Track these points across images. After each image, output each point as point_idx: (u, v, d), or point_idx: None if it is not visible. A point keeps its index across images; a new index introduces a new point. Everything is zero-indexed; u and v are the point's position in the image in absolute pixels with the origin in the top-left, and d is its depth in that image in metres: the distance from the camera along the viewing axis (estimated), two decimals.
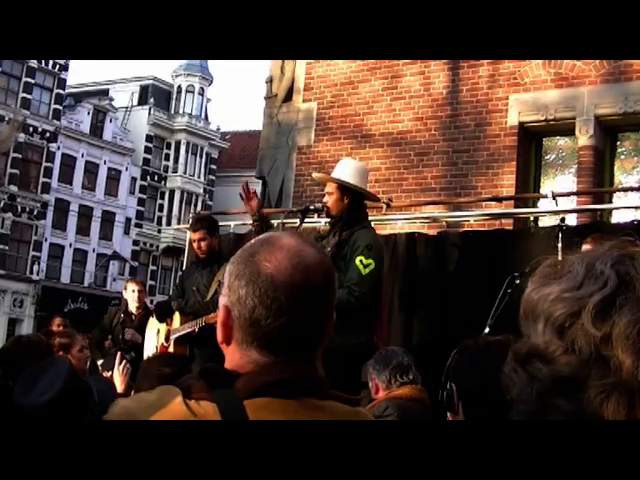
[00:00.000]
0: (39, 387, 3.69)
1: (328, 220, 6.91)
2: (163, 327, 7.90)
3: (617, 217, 9.02)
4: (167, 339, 7.75)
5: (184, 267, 10.07)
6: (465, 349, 3.34)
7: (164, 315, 7.91)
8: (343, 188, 6.60)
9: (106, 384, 5.38)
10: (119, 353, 7.24)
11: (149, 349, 8.08)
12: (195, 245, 7.82)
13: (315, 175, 7.16)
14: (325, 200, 6.64)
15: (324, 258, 1.95)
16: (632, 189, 10.09)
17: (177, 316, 7.72)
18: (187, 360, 6.77)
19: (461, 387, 3.20)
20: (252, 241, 1.93)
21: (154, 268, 60.20)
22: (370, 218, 8.14)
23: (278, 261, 1.82)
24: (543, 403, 1.15)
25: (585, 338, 1.12)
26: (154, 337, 8.07)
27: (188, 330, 7.40)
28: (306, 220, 7.08)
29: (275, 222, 8.87)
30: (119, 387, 5.83)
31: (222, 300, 1.88)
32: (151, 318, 8.31)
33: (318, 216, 7.24)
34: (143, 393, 1.91)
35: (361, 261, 6.30)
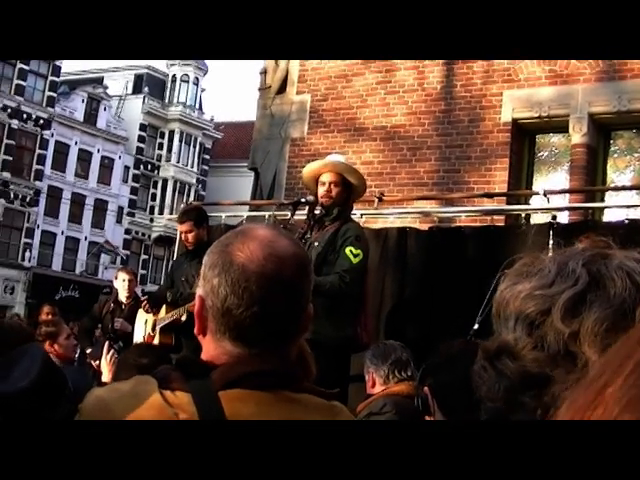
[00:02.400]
0: (13, 375, 3.65)
1: (305, 213, 6.90)
2: (150, 317, 7.91)
3: (609, 216, 9.02)
4: (154, 329, 7.76)
5: (175, 257, 10.07)
6: (436, 354, 3.38)
7: (156, 306, 7.90)
8: (345, 180, 6.59)
9: (80, 373, 5.38)
10: (107, 342, 7.23)
11: (138, 339, 8.08)
12: (183, 237, 7.87)
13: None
14: (327, 189, 6.56)
15: (299, 250, 1.96)
16: (624, 188, 10.10)
17: (163, 306, 7.74)
18: (167, 350, 6.76)
19: (434, 386, 3.23)
20: (228, 233, 1.94)
21: (146, 257, 60.22)
22: (362, 212, 8.16)
23: (250, 251, 1.82)
24: (509, 400, 1.15)
25: (554, 335, 1.13)
26: (142, 327, 8.08)
27: (171, 319, 7.42)
28: (297, 213, 7.06)
29: (266, 214, 8.88)
30: (106, 376, 5.82)
31: (198, 290, 1.90)
32: (140, 309, 8.29)
33: (309, 209, 7.21)
34: (118, 383, 1.92)
35: (351, 251, 6.35)
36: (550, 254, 1.27)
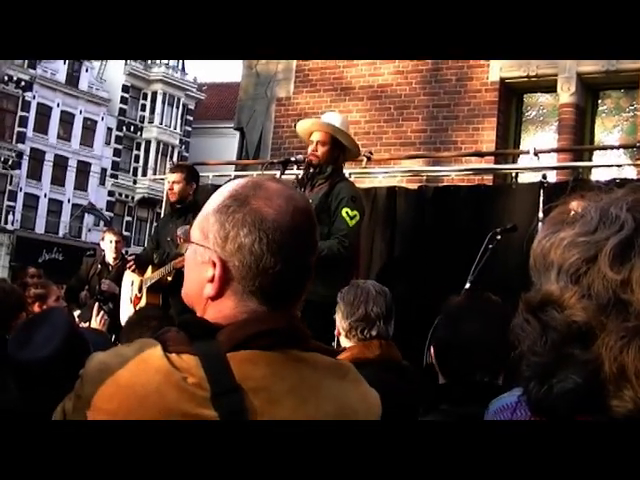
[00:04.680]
0: (36, 341, 3.51)
1: (295, 172, 6.89)
2: (137, 278, 7.86)
3: (596, 175, 9.01)
4: (140, 290, 7.72)
5: (160, 218, 10.02)
6: (444, 310, 3.34)
7: (142, 267, 7.85)
8: (335, 139, 6.54)
9: (99, 335, 5.30)
10: (97, 304, 7.18)
11: (124, 301, 8.05)
12: (169, 186, 7.81)
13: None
14: (314, 148, 6.53)
15: (309, 203, 1.95)
16: (614, 147, 10.08)
17: (149, 267, 7.70)
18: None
19: (434, 345, 3.20)
20: (234, 187, 1.85)
21: (129, 219, 60.06)
22: (350, 171, 8.12)
23: (280, 206, 1.77)
24: (558, 354, 1.10)
25: (602, 283, 1.07)
26: (129, 289, 8.03)
27: (158, 277, 7.38)
28: (286, 172, 7.02)
29: (254, 174, 8.83)
30: None
31: (209, 253, 1.80)
32: (127, 270, 8.23)
33: (298, 168, 7.17)
34: (121, 346, 1.85)
35: (347, 212, 6.32)
36: (588, 201, 1.21)
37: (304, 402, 1.74)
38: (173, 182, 7.68)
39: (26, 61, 52.41)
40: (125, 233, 53.89)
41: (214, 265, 1.78)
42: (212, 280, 1.79)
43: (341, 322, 4.56)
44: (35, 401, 3.23)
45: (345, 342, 4.58)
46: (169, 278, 7.24)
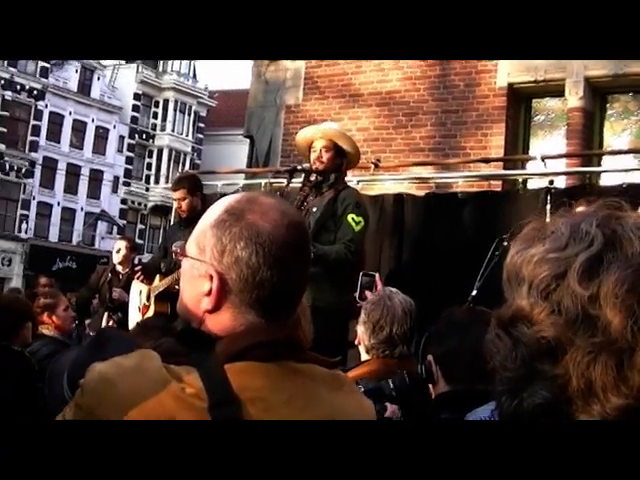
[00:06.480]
0: None
1: (301, 180, 6.90)
2: (145, 287, 7.86)
3: (605, 180, 8.99)
4: (148, 298, 7.73)
5: (169, 226, 10.03)
6: (439, 321, 3.35)
7: (149, 276, 7.86)
8: (337, 146, 6.58)
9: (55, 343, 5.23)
10: (106, 313, 7.19)
11: (133, 310, 8.05)
12: (176, 205, 7.85)
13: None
14: (318, 155, 6.57)
15: (302, 217, 1.98)
16: (622, 152, 10.04)
17: (157, 275, 7.71)
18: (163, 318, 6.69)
19: (437, 354, 3.20)
20: (229, 202, 1.88)
21: (142, 227, 60.12)
22: (358, 178, 8.14)
23: (275, 220, 1.81)
24: (528, 369, 1.11)
25: (571, 298, 1.09)
26: (137, 298, 8.03)
27: (165, 286, 7.38)
28: (293, 180, 7.03)
29: (262, 182, 8.85)
30: None
31: (206, 267, 1.83)
32: (134, 280, 8.22)
33: (305, 176, 7.18)
34: (120, 357, 1.86)
35: (353, 219, 6.40)
36: (560, 217, 1.22)
37: (301, 412, 1.75)
38: (178, 200, 7.72)
39: (38, 70, 52.63)
40: (138, 241, 53.96)
41: (211, 279, 1.81)
42: (209, 294, 1.81)
43: (363, 336, 4.47)
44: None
45: (364, 354, 4.55)
46: (177, 287, 7.24)
